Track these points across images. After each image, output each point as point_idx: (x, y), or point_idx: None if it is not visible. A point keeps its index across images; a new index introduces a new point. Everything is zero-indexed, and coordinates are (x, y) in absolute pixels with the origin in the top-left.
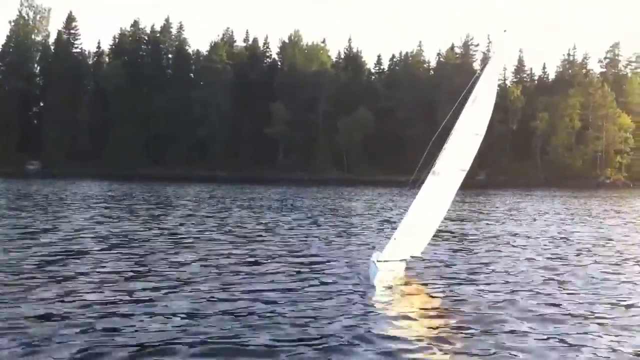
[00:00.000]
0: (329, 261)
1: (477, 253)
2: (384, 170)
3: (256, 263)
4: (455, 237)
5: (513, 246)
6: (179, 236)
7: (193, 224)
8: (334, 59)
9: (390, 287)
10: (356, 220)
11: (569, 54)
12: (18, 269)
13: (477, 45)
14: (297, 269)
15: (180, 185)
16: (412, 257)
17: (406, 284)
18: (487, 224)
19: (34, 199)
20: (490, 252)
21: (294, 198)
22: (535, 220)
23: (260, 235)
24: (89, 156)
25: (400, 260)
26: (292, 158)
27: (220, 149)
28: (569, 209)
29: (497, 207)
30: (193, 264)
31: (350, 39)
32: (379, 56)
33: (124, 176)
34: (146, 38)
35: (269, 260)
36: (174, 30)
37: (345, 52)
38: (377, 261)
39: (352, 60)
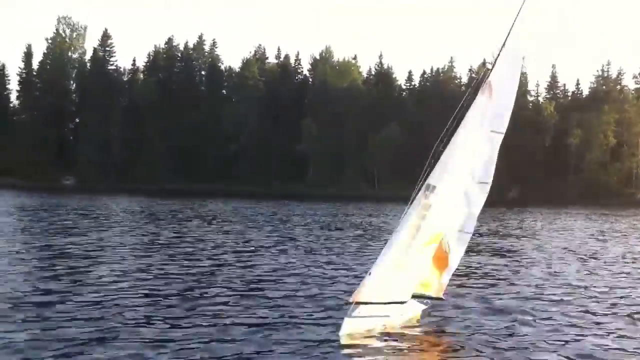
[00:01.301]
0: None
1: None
2: (414, 187)
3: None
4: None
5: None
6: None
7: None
8: (365, 75)
9: (356, 345)
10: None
11: (602, 70)
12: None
13: None
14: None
15: (217, 200)
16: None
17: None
18: (519, 262)
19: (105, 215)
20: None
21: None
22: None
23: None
24: (122, 171)
25: (395, 303)
26: (322, 174)
27: (251, 164)
28: (614, 229)
29: (532, 227)
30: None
31: (381, 55)
32: (409, 72)
33: (156, 191)
34: (179, 55)
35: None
36: (207, 47)
37: (376, 68)
38: (348, 303)
39: (382, 76)
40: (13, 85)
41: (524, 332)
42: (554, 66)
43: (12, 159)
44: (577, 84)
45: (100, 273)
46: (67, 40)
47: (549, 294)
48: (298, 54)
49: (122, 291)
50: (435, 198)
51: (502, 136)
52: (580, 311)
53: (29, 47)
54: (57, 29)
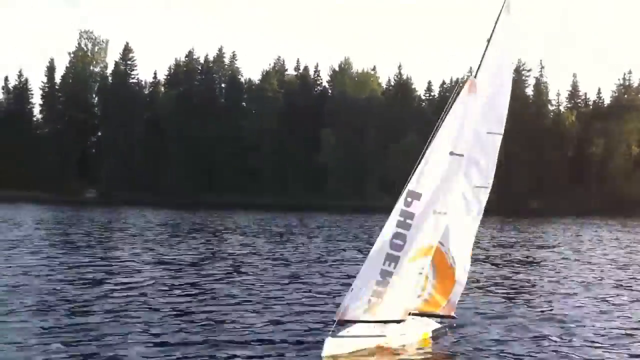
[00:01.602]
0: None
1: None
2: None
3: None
4: (497, 282)
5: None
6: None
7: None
8: (384, 86)
9: None
10: None
11: (624, 79)
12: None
13: (530, 70)
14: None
15: (239, 212)
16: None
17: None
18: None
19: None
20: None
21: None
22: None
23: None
24: (144, 184)
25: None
26: (342, 185)
27: (270, 176)
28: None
29: (554, 238)
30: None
31: (400, 66)
32: (429, 82)
33: (177, 203)
34: (200, 68)
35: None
36: (227, 60)
37: (395, 79)
38: (334, 320)
39: (402, 86)
40: (36, 99)
41: (546, 357)
42: (574, 75)
43: (36, 172)
44: (599, 93)
45: (130, 285)
46: (89, 54)
47: (578, 311)
48: (317, 65)
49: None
50: (421, 206)
51: (500, 137)
52: (607, 328)
53: (51, 62)
54: (79, 43)
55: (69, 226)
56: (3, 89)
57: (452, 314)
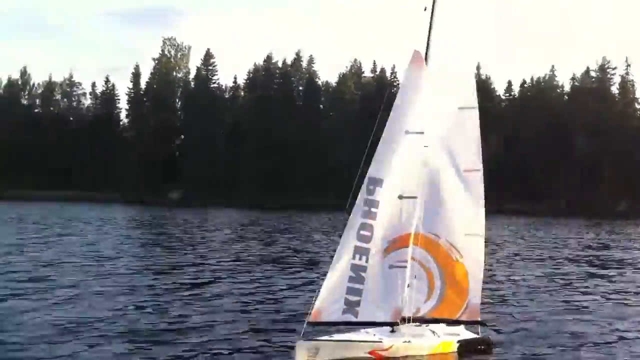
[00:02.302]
0: None
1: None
2: (513, 199)
3: None
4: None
5: None
6: None
7: None
8: None
9: None
10: None
11: None
12: None
13: (615, 68)
14: None
15: (322, 214)
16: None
17: None
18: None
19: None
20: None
21: None
22: None
23: None
24: (225, 186)
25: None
26: None
27: (346, 179)
28: None
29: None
30: None
31: (479, 66)
32: (509, 82)
33: (257, 205)
34: (278, 72)
35: None
36: (304, 63)
37: (475, 78)
38: (308, 322)
39: (480, 86)
40: (122, 104)
41: None
42: None
43: (122, 174)
44: None
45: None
46: (172, 60)
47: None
48: (394, 67)
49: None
50: (385, 193)
51: (475, 111)
52: None
53: (137, 68)
54: (162, 50)
55: (162, 227)
56: (91, 95)
57: (478, 318)
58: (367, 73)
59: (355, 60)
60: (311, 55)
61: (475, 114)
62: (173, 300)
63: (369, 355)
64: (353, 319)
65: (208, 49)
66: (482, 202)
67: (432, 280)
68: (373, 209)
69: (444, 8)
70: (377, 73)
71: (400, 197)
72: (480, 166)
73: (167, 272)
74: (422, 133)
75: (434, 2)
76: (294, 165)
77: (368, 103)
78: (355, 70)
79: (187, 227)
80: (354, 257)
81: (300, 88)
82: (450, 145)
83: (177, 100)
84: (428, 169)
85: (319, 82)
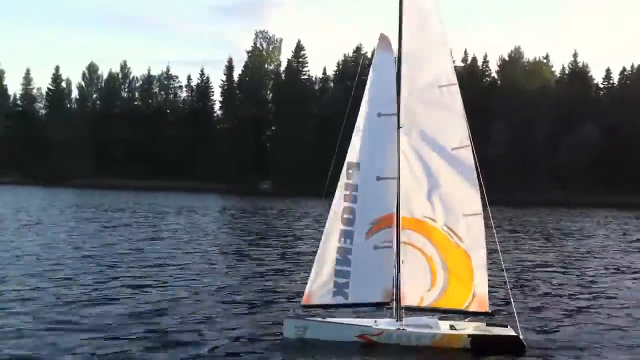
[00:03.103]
0: None
1: None
2: (610, 192)
3: None
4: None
5: None
6: None
7: None
8: (558, 75)
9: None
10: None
11: None
12: None
13: None
14: None
15: None
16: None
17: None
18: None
19: None
20: None
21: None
22: None
23: None
24: (314, 176)
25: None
26: (510, 179)
27: None
28: None
29: None
30: None
31: (575, 53)
32: (607, 70)
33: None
34: (367, 62)
35: None
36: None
37: (570, 67)
38: (301, 305)
39: (577, 75)
40: (216, 96)
41: None
42: None
43: (216, 164)
44: None
45: None
46: (264, 52)
47: None
48: (486, 56)
49: None
50: (363, 175)
51: (455, 87)
52: None
53: (230, 61)
54: (254, 43)
55: (245, 214)
56: (187, 87)
57: (487, 309)
58: (458, 62)
59: None
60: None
61: (455, 90)
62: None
63: (357, 339)
64: (344, 301)
65: (299, 41)
66: (475, 178)
67: (433, 267)
68: (354, 193)
69: None
70: (469, 62)
71: (378, 178)
72: (469, 142)
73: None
74: (394, 115)
75: None
76: None
77: (460, 93)
78: None
79: (289, 217)
80: (339, 241)
81: None
82: (434, 125)
83: (268, 92)
84: (413, 151)
85: None
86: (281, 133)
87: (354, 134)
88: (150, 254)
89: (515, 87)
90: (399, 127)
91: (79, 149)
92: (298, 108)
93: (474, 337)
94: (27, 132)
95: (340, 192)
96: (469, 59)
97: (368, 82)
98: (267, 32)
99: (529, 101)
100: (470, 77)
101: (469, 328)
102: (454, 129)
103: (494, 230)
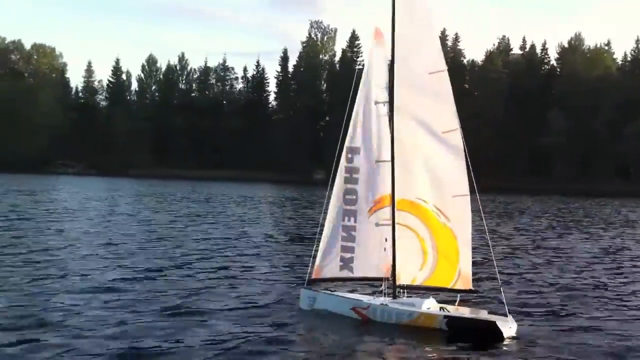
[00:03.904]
0: None
1: None
2: None
3: None
4: None
5: None
6: None
7: None
8: (620, 62)
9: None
10: None
11: None
12: None
13: None
14: None
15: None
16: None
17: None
18: None
19: None
20: None
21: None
22: None
23: None
24: None
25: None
26: (570, 169)
27: (494, 159)
28: None
29: None
30: None
31: (638, 39)
32: None
33: None
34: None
35: None
36: (449, 42)
37: (632, 54)
38: (310, 279)
39: None
40: (271, 87)
41: None
42: None
43: (271, 155)
44: None
45: None
46: (319, 43)
47: None
48: (545, 43)
49: None
50: (362, 159)
51: (445, 73)
52: None
53: (285, 51)
54: (309, 33)
55: (298, 203)
56: (242, 79)
57: (471, 287)
58: (516, 50)
59: (504, 37)
60: (456, 33)
61: (445, 76)
62: None
63: (353, 312)
64: (350, 275)
65: (353, 31)
66: (464, 161)
67: (425, 247)
68: (355, 175)
69: None
70: (527, 50)
71: (377, 161)
72: (457, 125)
73: None
74: (387, 102)
75: None
76: None
77: (517, 81)
78: (504, 48)
79: None
80: (343, 219)
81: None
82: (426, 111)
83: (323, 83)
84: (406, 136)
85: (464, 62)
86: (335, 123)
87: (352, 121)
88: (219, 240)
89: (575, 75)
90: (392, 113)
91: (139, 140)
92: (352, 98)
93: (449, 319)
94: (89, 123)
95: (340, 175)
96: (527, 46)
97: (364, 72)
98: (321, 22)
99: (589, 89)
100: (528, 64)
101: (458, 311)
102: (445, 113)
103: (482, 214)
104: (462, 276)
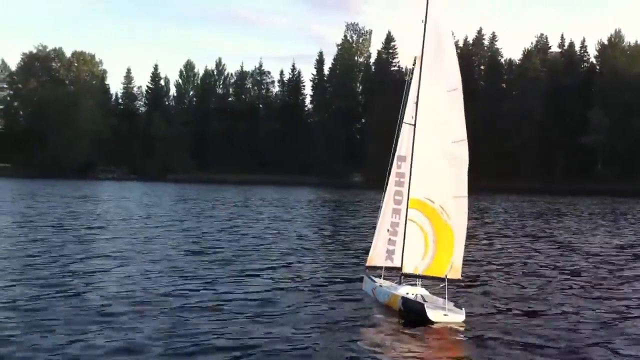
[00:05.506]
0: None
1: None
2: None
3: None
4: None
5: None
6: None
7: None
8: None
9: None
10: None
11: None
12: None
13: None
14: None
15: (500, 196)
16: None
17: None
18: None
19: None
20: None
21: None
22: None
23: None
24: None
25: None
26: (613, 168)
27: (533, 159)
28: None
29: None
30: None
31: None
32: None
33: None
34: (458, 51)
35: None
36: (486, 42)
37: None
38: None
39: None
40: (307, 90)
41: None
42: None
43: (308, 157)
44: None
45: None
46: (354, 45)
47: None
48: (584, 40)
49: None
50: (407, 167)
51: (460, 92)
52: None
53: (320, 54)
54: (345, 35)
55: (335, 205)
56: (279, 82)
57: (459, 276)
58: (555, 48)
59: (542, 35)
60: (493, 32)
61: (459, 94)
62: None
63: (372, 293)
64: (391, 264)
65: (389, 32)
66: (467, 167)
67: (427, 241)
68: (402, 179)
69: (431, 19)
70: (565, 48)
71: (422, 170)
72: (465, 136)
73: None
74: (413, 118)
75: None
76: (475, 147)
77: (556, 79)
78: (542, 46)
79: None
80: (392, 217)
81: (482, 67)
82: (444, 123)
83: (358, 85)
84: (424, 144)
85: (502, 61)
86: (371, 125)
87: (401, 133)
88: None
89: (615, 72)
90: (415, 125)
91: (177, 145)
92: (388, 99)
93: (403, 301)
94: (129, 129)
95: (392, 179)
96: (566, 44)
97: (409, 96)
98: (357, 25)
99: (630, 87)
100: (567, 62)
101: (418, 297)
102: (457, 125)
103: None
104: (453, 267)
